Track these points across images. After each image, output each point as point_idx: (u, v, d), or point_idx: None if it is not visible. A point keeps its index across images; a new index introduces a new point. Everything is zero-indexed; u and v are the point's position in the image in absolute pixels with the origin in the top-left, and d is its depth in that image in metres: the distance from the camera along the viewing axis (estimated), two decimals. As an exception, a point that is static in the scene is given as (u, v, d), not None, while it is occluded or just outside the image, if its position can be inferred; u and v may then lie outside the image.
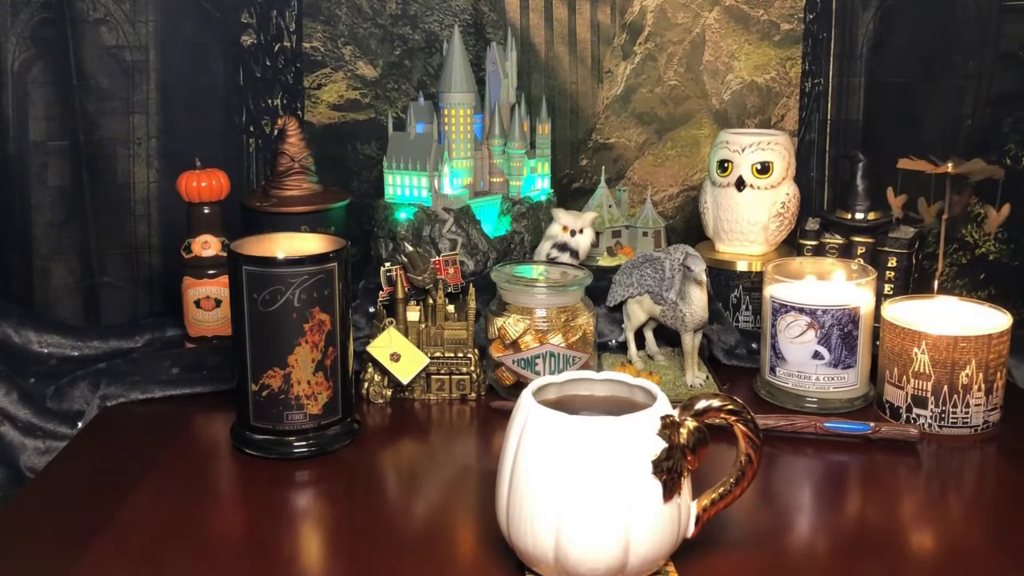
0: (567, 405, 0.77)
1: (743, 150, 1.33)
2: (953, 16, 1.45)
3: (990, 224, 1.28)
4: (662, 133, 1.56)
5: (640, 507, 0.72)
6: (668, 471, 0.72)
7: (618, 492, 0.71)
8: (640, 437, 0.72)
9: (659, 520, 0.73)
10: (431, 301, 1.15)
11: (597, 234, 1.40)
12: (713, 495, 0.78)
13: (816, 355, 1.10)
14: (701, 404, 0.75)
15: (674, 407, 0.76)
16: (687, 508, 0.77)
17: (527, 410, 0.75)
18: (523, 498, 0.74)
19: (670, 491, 0.73)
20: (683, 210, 1.57)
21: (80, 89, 1.40)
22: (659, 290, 1.17)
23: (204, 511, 0.91)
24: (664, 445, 0.72)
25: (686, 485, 0.76)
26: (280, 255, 0.98)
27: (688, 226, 1.55)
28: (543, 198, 1.44)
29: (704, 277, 1.14)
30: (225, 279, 1.09)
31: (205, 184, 1.26)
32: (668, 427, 0.73)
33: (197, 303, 1.27)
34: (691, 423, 0.74)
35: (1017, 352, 1.18)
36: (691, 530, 0.78)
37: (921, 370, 1.05)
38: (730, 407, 0.75)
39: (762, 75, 1.54)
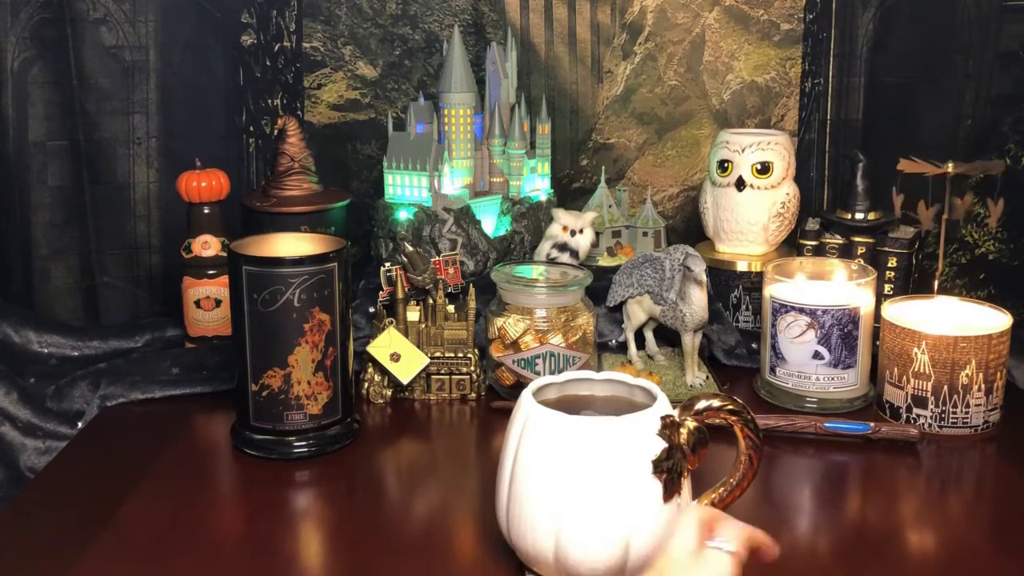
0: (567, 405, 0.77)
1: (743, 150, 1.33)
2: (953, 16, 1.45)
3: (991, 219, 1.28)
4: (662, 133, 1.56)
5: (640, 507, 0.72)
6: (668, 471, 0.72)
7: (618, 492, 0.71)
8: (640, 437, 0.72)
9: (659, 520, 0.73)
10: (431, 301, 1.15)
11: (597, 234, 1.40)
12: (713, 495, 0.78)
13: (816, 355, 1.10)
14: (701, 404, 0.75)
15: (674, 407, 0.76)
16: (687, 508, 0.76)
17: (527, 410, 0.75)
18: (523, 498, 0.74)
19: (670, 491, 0.73)
20: (683, 210, 1.57)
21: (80, 89, 1.40)
22: (659, 290, 1.17)
23: (204, 511, 0.91)
24: (664, 445, 0.72)
25: (686, 485, 0.76)
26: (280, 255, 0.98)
27: (688, 226, 1.55)
28: (543, 198, 1.44)
29: (704, 277, 1.14)
30: (225, 279, 1.09)
31: (205, 184, 1.26)
32: (668, 427, 0.73)
33: (197, 303, 1.27)
34: (691, 423, 0.74)
35: (1017, 352, 1.18)
36: None
37: (921, 370, 1.05)
38: (730, 407, 0.75)
39: (762, 75, 1.54)
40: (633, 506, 0.72)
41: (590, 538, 0.72)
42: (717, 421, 0.75)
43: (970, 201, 1.28)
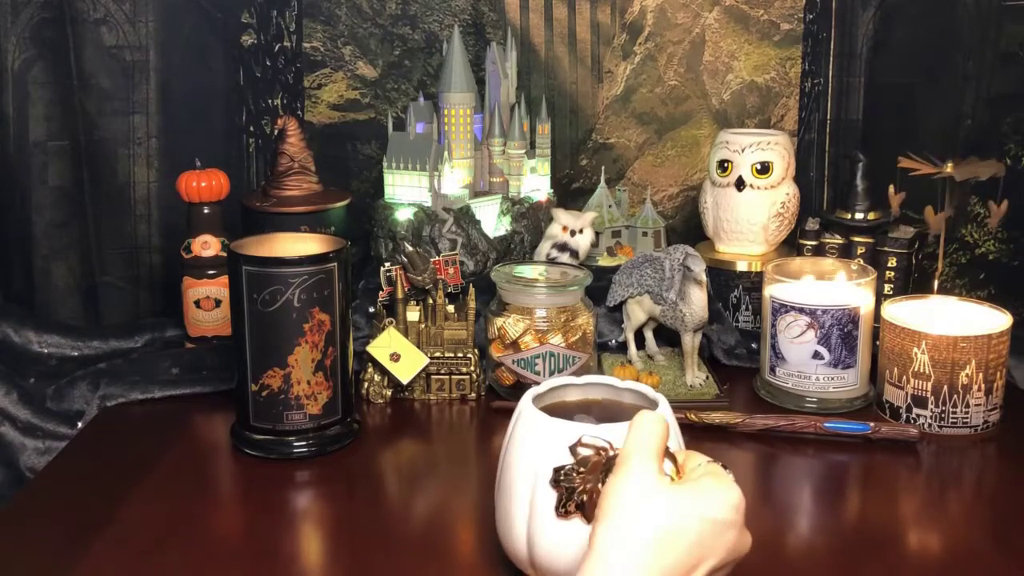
0: (582, 408, 0.77)
1: (743, 150, 1.33)
2: (953, 16, 1.45)
3: (992, 220, 1.27)
4: (662, 133, 1.56)
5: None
6: (564, 486, 0.67)
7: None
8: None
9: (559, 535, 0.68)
10: (431, 301, 1.15)
11: (597, 234, 1.40)
12: None
13: (816, 355, 1.10)
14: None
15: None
16: None
17: (520, 407, 0.74)
18: (503, 494, 0.73)
19: (565, 509, 0.67)
20: (683, 210, 1.57)
21: (80, 89, 1.40)
22: (659, 290, 1.17)
23: (204, 511, 0.91)
24: (571, 461, 0.67)
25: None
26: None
27: (688, 226, 1.55)
28: (543, 198, 1.43)
29: (704, 277, 1.14)
30: (225, 279, 1.09)
31: (205, 184, 1.26)
32: (583, 445, 0.68)
33: (197, 303, 1.27)
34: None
35: (1017, 352, 1.18)
36: None
37: (921, 370, 1.05)
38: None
39: (762, 75, 1.54)
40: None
41: (555, 540, 0.69)
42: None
43: (1006, 209, 1.25)
